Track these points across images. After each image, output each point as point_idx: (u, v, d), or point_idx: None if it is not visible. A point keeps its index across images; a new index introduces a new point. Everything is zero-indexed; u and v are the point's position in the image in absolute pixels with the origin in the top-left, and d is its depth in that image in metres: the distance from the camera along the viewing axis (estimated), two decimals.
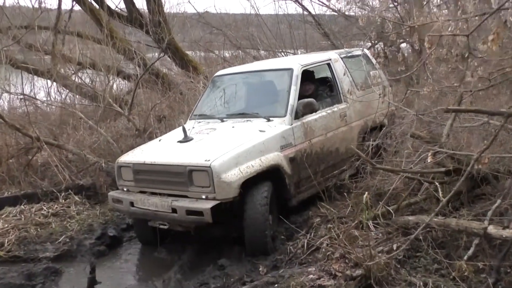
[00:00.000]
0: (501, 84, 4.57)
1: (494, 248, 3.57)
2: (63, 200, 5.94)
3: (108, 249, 5.19)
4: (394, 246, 3.73)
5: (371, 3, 11.70)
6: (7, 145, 6.49)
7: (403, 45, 11.48)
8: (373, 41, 10.29)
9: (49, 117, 7.60)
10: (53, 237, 5.20)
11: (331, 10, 13.39)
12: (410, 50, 10.74)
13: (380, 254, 3.66)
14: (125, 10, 11.66)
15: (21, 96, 7.27)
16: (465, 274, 3.41)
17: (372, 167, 4.30)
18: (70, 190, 6.09)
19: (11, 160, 6.61)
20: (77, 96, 9.43)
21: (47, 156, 6.48)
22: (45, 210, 5.71)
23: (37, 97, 8.35)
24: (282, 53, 12.02)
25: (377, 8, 9.88)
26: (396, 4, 10.05)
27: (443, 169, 4.14)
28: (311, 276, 3.76)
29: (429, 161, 4.28)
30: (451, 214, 4.06)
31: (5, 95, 7.52)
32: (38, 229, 5.32)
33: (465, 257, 3.53)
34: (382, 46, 10.80)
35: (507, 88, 4.69)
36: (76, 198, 5.99)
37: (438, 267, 3.64)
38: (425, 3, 10.90)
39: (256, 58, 11.63)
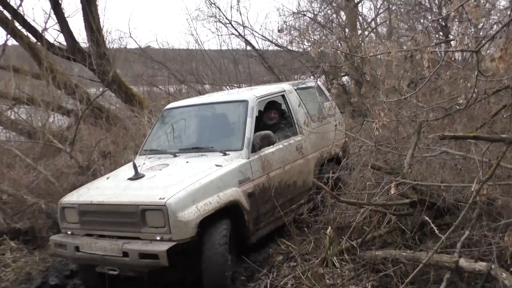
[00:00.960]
0: (456, 113, 4.56)
1: (464, 280, 3.45)
2: None
3: None
4: (369, 285, 3.49)
5: (312, 39, 11.89)
6: None
7: (344, 78, 11.74)
8: (316, 75, 10.36)
9: None
10: None
11: (274, 44, 13.56)
12: (351, 83, 10.91)
13: None
14: (64, 44, 11.18)
15: None
16: None
17: (336, 200, 4.09)
18: (4, 235, 5.50)
19: None
20: (12, 133, 8.75)
21: None
22: None
23: None
24: (228, 87, 11.88)
25: (324, 41, 10.02)
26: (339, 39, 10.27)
27: (407, 201, 4.00)
28: None
29: (392, 192, 4.15)
30: (417, 246, 3.92)
31: None
32: None
33: None
34: (324, 79, 10.93)
35: (462, 116, 4.69)
36: (12, 243, 5.41)
37: None
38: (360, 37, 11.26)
39: (201, 93, 11.42)
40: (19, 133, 8.91)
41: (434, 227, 3.21)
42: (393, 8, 12.00)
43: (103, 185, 4.57)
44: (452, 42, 6.36)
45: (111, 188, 4.39)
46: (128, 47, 14.05)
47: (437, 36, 9.36)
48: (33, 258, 5.19)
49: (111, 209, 4.11)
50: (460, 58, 6.17)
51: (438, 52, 5.40)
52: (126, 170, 4.77)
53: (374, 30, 12.98)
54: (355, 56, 5.28)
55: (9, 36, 10.50)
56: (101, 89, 10.70)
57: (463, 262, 3.32)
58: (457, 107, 4.47)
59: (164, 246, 3.79)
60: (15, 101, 9.55)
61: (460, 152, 4.08)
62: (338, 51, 5.54)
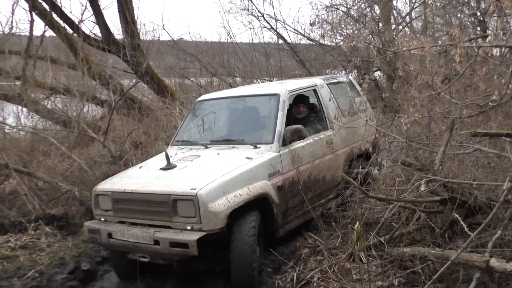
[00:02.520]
0: (491, 110, 4.47)
1: (495, 281, 3.39)
2: (33, 231, 5.50)
3: (82, 284, 4.76)
4: (396, 282, 3.47)
5: (344, 33, 11.78)
6: None
7: (376, 73, 11.59)
8: (347, 69, 10.30)
9: (18, 143, 7.14)
10: (21, 272, 4.75)
11: (306, 38, 13.49)
12: (383, 78, 10.78)
13: None
14: (100, 35, 11.39)
15: None
16: None
17: (365, 195, 4.07)
18: (40, 221, 5.64)
19: None
20: (49, 122, 9.00)
21: (16, 184, 6.04)
22: (12, 242, 5.26)
23: (6, 122, 7.89)
24: (258, 80, 11.91)
25: (357, 35, 9.91)
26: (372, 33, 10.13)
27: (437, 198, 3.95)
28: None
29: (422, 189, 4.11)
30: (447, 245, 3.88)
31: None
32: (4, 263, 4.87)
33: None
34: (356, 74, 10.83)
35: (497, 114, 4.59)
36: (47, 229, 5.55)
37: None
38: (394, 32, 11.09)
39: (231, 86, 11.47)
40: (55, 122, 9.17)
41: (464, 225, 3.15)
42: (428, 2, 11.76)
43: (136, 174, 4.67)
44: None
45: (143, 177, 4.49)
46: (161, 39, 14.25)
47: (474, 31, 9.15)
48: (66, 244, 5.34)
49: (143, 197, 4.20)
50: (498, 54, 6.01)
51: (474, 48, 5.30)
52: (158, 160, 4.86)
53: (409, 25, 12.76)
54: (388, 50, 5.22)
55: (47, 27, 10.82)
56: (134, 81, 10.91)
57: (494, 262, 3.26)
58: (490, 104, 4.40)
59: (194, 236, 3.87)
60: (51, 91, 9.85)
61: (493, 150, 4.01)
62: (371, 46, 5.47)
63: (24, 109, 8.91)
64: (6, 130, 7.62)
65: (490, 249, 3.42)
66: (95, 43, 11.04)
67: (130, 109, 9.73)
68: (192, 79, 13.21)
